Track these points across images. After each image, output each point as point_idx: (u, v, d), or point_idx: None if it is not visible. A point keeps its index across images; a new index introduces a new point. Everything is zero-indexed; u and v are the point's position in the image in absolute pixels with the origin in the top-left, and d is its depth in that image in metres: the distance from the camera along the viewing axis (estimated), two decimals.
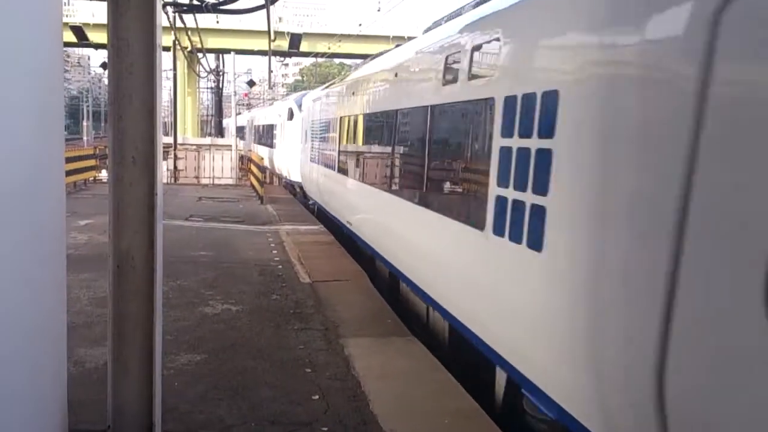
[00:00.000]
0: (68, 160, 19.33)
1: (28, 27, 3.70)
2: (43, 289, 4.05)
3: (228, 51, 43.16)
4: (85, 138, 67.25)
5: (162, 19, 4.16)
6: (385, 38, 52.26)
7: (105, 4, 4.00)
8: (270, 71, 40.40)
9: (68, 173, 18.43)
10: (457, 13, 8.04)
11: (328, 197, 15.88)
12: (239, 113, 41.83)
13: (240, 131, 40.69)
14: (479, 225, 5.87)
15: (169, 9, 20.40)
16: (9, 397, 3.56)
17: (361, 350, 7.47)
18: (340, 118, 14.18)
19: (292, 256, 12.70)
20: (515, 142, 5.22)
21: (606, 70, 4.26)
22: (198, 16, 23.50)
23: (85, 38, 36.36)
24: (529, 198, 4.95)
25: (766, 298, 2.90)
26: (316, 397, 6.15)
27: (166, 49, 29.33)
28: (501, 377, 6.04)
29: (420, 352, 7.52)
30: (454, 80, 6.84)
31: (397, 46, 11.63)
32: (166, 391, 5.07)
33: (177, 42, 30.45)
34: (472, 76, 6.37)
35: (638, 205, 3.74)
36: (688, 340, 3.34)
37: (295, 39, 40.86)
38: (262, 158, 26.94)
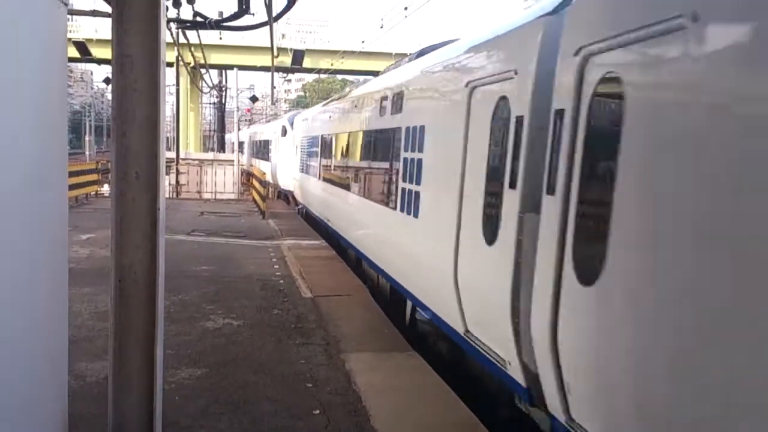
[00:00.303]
0: (70, 174, 19.39)
1: (33, 42, 3.75)
2: (45, 303, 4.07)
3: (231, 67, 43.38)
4: (87, 153, 67.37)
5: (166, 36, 4.20)
6: (388, 55, 52.52)
7: (108, 20, 4.05)
8: (273, 87, 40.55)
9: (70, 188, 18.47)
10: (398, 64, 12.14)
11: (311, 200, 19.01)
12: (241, 129, 42.12)
13: (241, 146, 41.50)
14: (393, 206, 9.30)
15: (173, 25, 20.52)
16: (11, 411, 3.57)
17: (362, 365, 7.47)
18: (321, 136, 17.24)
19: (293, 271, 12.72)
20: (410, 155, 8.61)
21: (440, 115, 7.73)
22: (201, 32, 23.66)
23: (88, 53, 36.52)
24: (414, 187, 8.33)
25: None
26: (317, 411, 6.15)
27: (170, 64, 29.46)
28: (409, 305, 9.39)
29: (421, 367, 7.52)
30: (384, 114, 10.36)
31: (365, 81, 14.96)
32: (167, 406, 5.07)
33: (180, 58, 30.60)
34: (393, 112, 9.82)
35: (451, 188, 6.77)
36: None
37: (298, 55, 41.02)
38: (264, 173, 27.08)
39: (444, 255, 6.84)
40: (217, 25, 18.99)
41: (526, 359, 5.19)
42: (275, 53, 24.97)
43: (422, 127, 8.10)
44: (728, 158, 3.14)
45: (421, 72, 8.91)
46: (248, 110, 64.11)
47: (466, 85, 6.66)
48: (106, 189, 27.55)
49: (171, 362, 6.97)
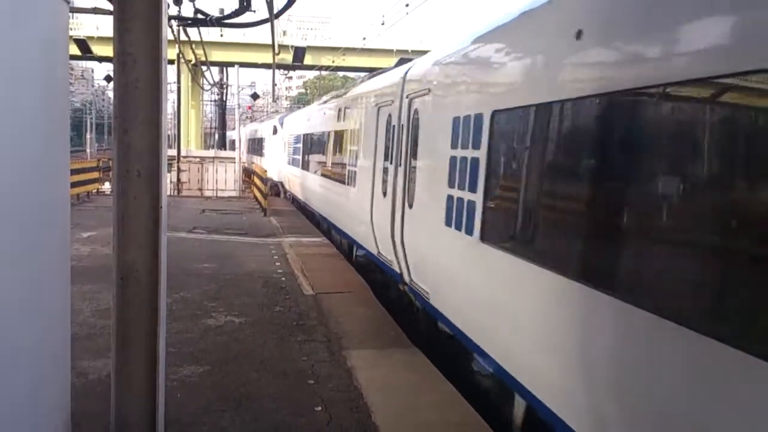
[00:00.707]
0: (72, 172, 19.38)
1: (35, 40, 3.75)
2: (47, 301, 4.08)
3: (232, 64, 43.37)
4: (88, 150, 67.41)
5: (167, 33, 4.20)
6: (389, 52, 52.52)
7: (109, 17, 4.05)
8: (274, 84, 40.52)
9: (72, 185, 18.46)
10: (364, 78, 16.44)
11: (298, 188, 23.51)
12: (243, 125, 42.46)
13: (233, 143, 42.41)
14: (344, 182, 13.85)
15: (174, 22, 20.51)
16: (13, 409, 3.58)
17: (363, 362, 7.48)
18: (303, 135, 21.73)
19: (295, 268, 12.73)
20: (352, 147, 13.19)
21: (365, 121, 12.30)
22: (202, 29, 23.64)
23: (89, 51, 36.46)
24: (353, 168, 12.83)
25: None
26: (319, 408, 6.16)
27: (171, 62, 29.50)
28: (355, 249, 13.64)
29: (422, 364, 7.53)
30: (340, 119, 15.10)
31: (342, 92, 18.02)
32: (169, 403, 5.08)
33: (181, 55, 30.59)
34: (344, 119, 14.71)
35: (369, 167, 11.46)
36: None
37: (299, 52, 40.93)
38: (266, 170, 27.11)
39: (366, 208, 11.22)
40: (218, 22, 18.99)
41: (398, 257, 9.35)
42: (276, 50, 24.94)
43: (358, 129, 12.98)
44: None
45: (356, 95, 14.04)
46: (249, 107, 64.14)
47: (375, 105, 11.33)
48: (107, 187, 27.57)
49: (173, 360, 6.98)
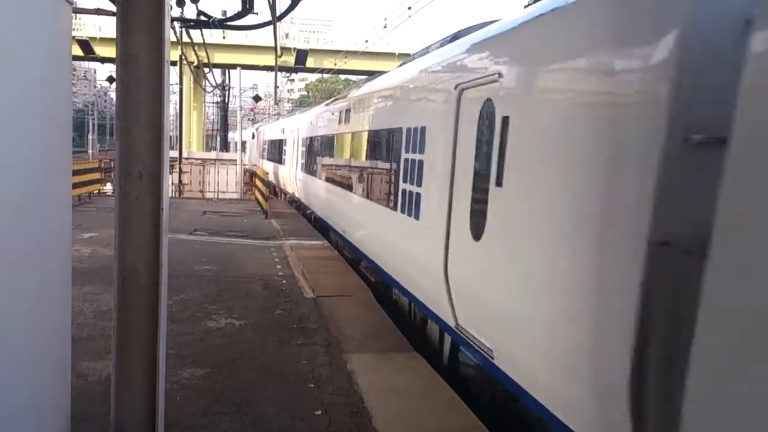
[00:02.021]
0: (73, 173, 19.38)
1: (38, 41, 3.74)
2: (48, 302, 4.07)
3: (234, 66, 43.41)
4: (90, 151, 67.38)
5: (170, 35, 4.20)
6: (391, 55, 52.50)
7: (112, 18, 4.04)
8: (276, 87, 40.53)
9: (73, 186, 18.46)
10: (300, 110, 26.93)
11: (271, 176, 29.22)
12: (244, 128, 42.90)
13: (243, 145, 43.76)
14: (319, 177, 16.87)
15: (176, 24, 20.53)
16: (13, 410, 3.57)
17: (363, 366, 7.46)
18: (269, 140, 31.72)
19: (296, 271, 12.71)
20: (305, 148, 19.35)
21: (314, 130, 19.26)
22: (205, 31, 23.66)
23: (92, 52, 36.53)
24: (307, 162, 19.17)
25: None
26: (319, 412, 6.14)
27: (173, 63, 29.48)
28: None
29: (423, 368, 7.51)
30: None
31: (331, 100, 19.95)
32: (169, 406, 5.07)
33: (183, 57, 30.61)
34: (291, 131, 23.06)
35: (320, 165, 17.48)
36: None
37: (301, 55, 40.97)
38: (267, 173, 27.17)
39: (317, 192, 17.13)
40: (221, 24, 19.01)
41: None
42: (279, 53, 24.96)
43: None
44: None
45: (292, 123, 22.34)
46: (251, 110, 64.13)
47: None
48: (108, 188, 27.56)
49: (173, 362, 6.97)
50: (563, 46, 4.85)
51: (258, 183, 26.06)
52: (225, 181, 29.55)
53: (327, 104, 18.05)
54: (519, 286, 5.22)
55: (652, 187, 3.63)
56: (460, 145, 6.61)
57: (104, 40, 46.67)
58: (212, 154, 40.12)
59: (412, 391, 6.80)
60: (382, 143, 9.90)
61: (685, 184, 3.49)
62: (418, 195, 7.88)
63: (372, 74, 17.93)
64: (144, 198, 4.03)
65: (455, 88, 6.75)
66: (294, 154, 22.83)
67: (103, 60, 46.27)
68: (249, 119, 66.43)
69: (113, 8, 4.67)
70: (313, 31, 79.89)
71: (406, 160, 8.47)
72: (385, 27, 27.71)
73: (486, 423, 6.15)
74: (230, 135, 57.84)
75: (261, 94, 56.73)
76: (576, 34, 4.73)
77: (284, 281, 11.77)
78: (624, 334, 3.78)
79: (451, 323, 6.76)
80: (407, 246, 8.47)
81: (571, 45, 4.76)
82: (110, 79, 43.29)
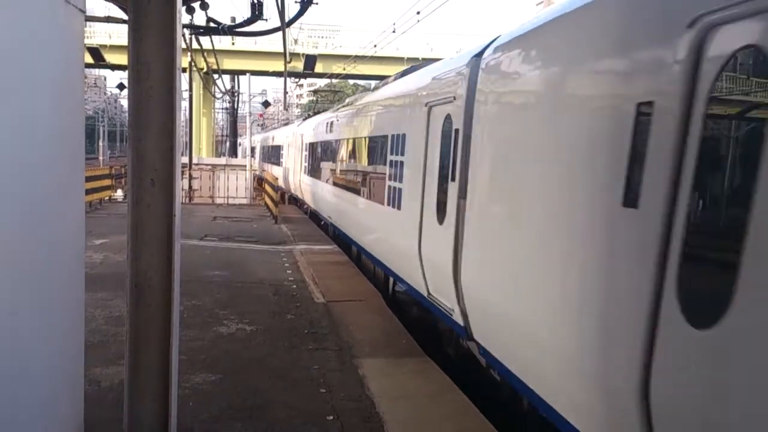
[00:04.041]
0: (85, 179, 19.48)
1: (51, 50, 3.77)
2: (62, 309, 4.10)
3: (243, 72, 43.52)
4: (100, 158, 67.76)
5: (181, 43, 4.22)
6: (400, 60, 52.47)
7: (122, 26, 4.07)
8: (285, 92, 40.63)
9: (85, 193, 18.59)
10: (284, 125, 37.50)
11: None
12: (254, 134, 43.62)
13: (253, 151, 44.85)
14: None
15: (186, 31, 20.62)
16: (27, 416, 3.59)
17: (375, 371, 7.46)
18: (262, 146, 42.37)
19: (306, 276, 12.73)
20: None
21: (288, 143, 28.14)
22: (214, 38, 23.75)
23: (102, 59, 36.74)
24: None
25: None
26: (331, 417, 6.14)
27: (183, 70, 29.62)
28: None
29: (435, 373, 7.50)
30: (329, 131, 17.89)
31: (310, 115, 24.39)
32: (181, 411, 5.08)
33: (193, 63, 30.74)
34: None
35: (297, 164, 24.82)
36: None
37: (310, 60, 41.06)
38: (277, 178, 27.26)
39: (298, 180, 23.45)
40: (230, 30, 19.09)
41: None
42: (288, 58, 25.04)
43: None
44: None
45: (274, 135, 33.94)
46: (261, 115, 64.30)
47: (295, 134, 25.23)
48: (119, 194, 27.68)
49: (185, 368, 6.98)
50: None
51: (267, 188, 26.12)
52: (235, 187, 29.62)
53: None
54: (468, 257, 6.67)
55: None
56: (429, 149, 8.29)
57: (114, 48, 46.91)
58: (222, 160, 40.23)
59: (424, 396, 6.79)
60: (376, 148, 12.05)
61: None
62: (400, 190, 9.72)
63: (380, 78, 18.33)
64: (156, 205, 4.05)
65: (426, 105, 8.34)
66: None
67: (114, 67, 46.51)
68: (258, 125, 66.57)
69: (123, 15, 4.71)
70: (322, 37, 79.96)
71: (392, 161, 10.42)
72: (393, 32, 27.74)
73: (498, 428, 6.14)
74: (239, 141, 58.13)
75: (270, 100, 56.82)
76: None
77: (294, 286, 11.79)
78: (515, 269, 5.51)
79: (424, 292, 8.48)
80: (390, 232, 10.37)
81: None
82: (120, 86, 43.53)
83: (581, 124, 4.60)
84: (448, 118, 7.61)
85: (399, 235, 9.49)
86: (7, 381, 3.38)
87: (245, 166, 31.40)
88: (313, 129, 21.28)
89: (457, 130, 7.17)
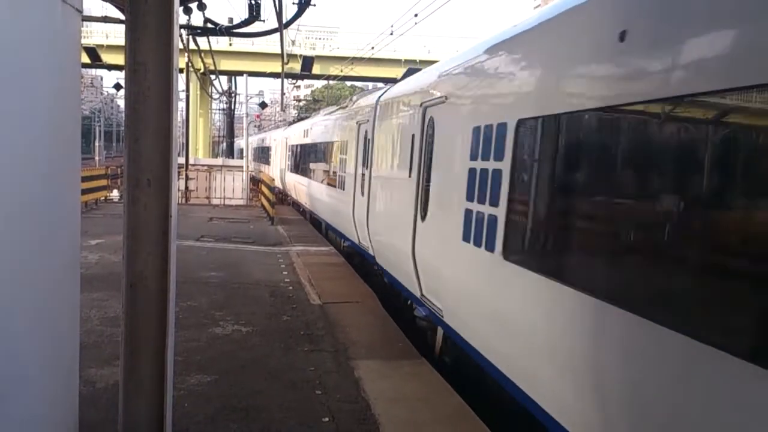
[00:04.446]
0: (81, 180, 19.42)
1: (47, 49, 3.76)
2: (57, 309, 4.08)
3: (241, 73, 43.54)
4: (96, 158, 67.64)
5: (178, 43, 4.21)
6: (397, 62, 52.53)
7: (119, 26, 4.06)
8: (282, 94, 40.67)
9: (81, 193, 18.54)
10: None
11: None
12: (251, 134, 43.78)
13: (240, 152, 46.81)
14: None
15: (184, 32, 20.60)
16: (22, 417, 3.58)
17: (371, 373, 7.45)
18: (254, 147, 46.44)
19: (302, 278, 12.72)
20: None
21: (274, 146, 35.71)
22: (212, 38, 23.73)
23: (99, 59, 36.75)
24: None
25: None
26: (326, 419, 6.14)
27: (180, 71, 29.63)
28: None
29: (430, 376, 7.50)
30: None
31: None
32: (177, 412, 5.07)
33: (190, 64, 30.72)
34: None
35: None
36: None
37: (308, 62, 41.08)
38: (273, 179, 27.23)
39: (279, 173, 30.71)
40: (228, 31, 19.09)
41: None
42: (285, 60, 25.03)
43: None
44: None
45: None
46: (258, 116, 64.32)
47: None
48: (115, 194, 27.64)
49: (180, 369, 6.97)
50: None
51: (264, 189, 26.11)
52: (231, 188, 29.60)
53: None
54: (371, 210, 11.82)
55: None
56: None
57: (111, 48, 46.91)
58: (218, 161, 40.22)
59: (419, 399, 6.78)
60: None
61: None
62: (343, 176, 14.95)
63: (378, 81, 18.20)
64: (153, 205, 4.04)
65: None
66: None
67: (110, 67, 46.53)
68: (255, 126, 66.56)
69: (120, 15, 4.70)
70: (320, 38, 79.94)
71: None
72: (391, 34, 27.73)
73: (493, 430, 6.14)
74: (236, 142, 58.20)
75: (267, 101, 56.85)
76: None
77: (291, 288, 11.78)
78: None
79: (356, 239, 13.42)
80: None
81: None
82: (117, 87, 43.53)
83: (400, 141, 10.04)
84: (366, 131, 12.69)
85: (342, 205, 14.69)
86: (2, 381, 3.36)
87: (242, 166, 31.38)
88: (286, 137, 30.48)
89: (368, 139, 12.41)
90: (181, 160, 30.08)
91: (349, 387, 6.98)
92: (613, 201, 4.40)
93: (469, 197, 6.62)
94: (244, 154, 32.90)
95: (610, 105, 4.36)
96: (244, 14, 18.36)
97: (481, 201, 6.27)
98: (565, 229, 5.00)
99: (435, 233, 7.88)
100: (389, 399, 6.71)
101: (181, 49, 23.29)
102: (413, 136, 9.11)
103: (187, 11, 18.09)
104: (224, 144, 60.18)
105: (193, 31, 20.76)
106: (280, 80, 34.37)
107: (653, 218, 3.93)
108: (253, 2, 17.55)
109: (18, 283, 3.43)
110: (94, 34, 50.71)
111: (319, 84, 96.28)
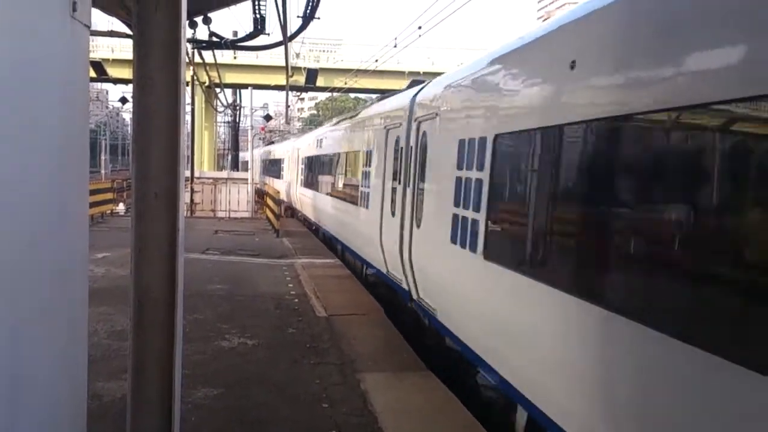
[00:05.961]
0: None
1: (56, 65, 3.78)
2: (65, 323, 4.08)
3: (245, 86, 43.68)
4: (102, 171, 67.85)
5: (185, 57, 4.23)
6: (401, 74, 52.64)
7: (124, 40, 4.09)
8: (287, 106, 40.79)
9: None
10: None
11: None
12: (257, 146, 43.92)
13: (245, 165, 47.22)
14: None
15: (189, 45, 20.71)
16: (29, 430, 3.57)
17: (377, 385, 7.43)
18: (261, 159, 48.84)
19: (308, 290, 12.71)
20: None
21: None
22: (216, 52, 23.85)
23: (105, 73, 36.98)
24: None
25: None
26: None
27: (185, 84, 29.79)
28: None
29: (437, 388, 7.47)
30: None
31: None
32: (184, 427, 5.05)
33: (195, 77, 30.86)
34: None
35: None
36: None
37: (312, 74, 41.27)
38: (279, 191, 27.30)
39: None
40: (233, 45, 19.19)
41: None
42: (290, 72, 25.13)
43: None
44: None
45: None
46: (263, 129, 64.47)
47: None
48: (121, 208, 27.71)
49: (187, 382, 6.96)
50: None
51: (269, 202, 26.14)
52: (236, 200, 29.65)
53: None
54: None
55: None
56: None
57: (117, 62, 47.15)
58: (224, 173, 40.31)
59: (426, 411, 6.76)
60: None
61: None
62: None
63: (382, 92, 18.05)
64: (160, 219, 4.05)
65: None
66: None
67: (116, 81, 46.76)
68: (260, 138, 66.72)
69: (127, 30, 4.74)
70: (324, 51, 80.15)
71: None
72: (395, 46, 27.83)
73: None
74: (241, 154, 58.35)
75: (271, 113, 57.03)
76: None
77: (296, 300, 11.77)
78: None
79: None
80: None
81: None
82: (123, 100, 43.77)
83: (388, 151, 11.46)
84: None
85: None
86: (10, 394, 3.36)
87: (247, 179, 31.44)
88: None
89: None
90: (187, 173, 30.12)
91: (355, 400, 6.96)
92: (571, 205, 5.23)
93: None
94: (249, 166, 32.95)
95: (561, 123, 5.20)
96: (249, 28, 18.46)
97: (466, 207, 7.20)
98: (533, 230, 5.73)
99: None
100: (396, 412, 6.69)
101: (186, 63, 23.42)
102: None
103: (193, 25, 18.20)
104: (229, 157, 60.24)
105: (199, 44, 20.86)
106: (284, 92, 34.48)
107: (595, 217, 4.79)
108: (257, 16, 17.66)
109: (26, 296, 3.44)
110: (100, 48, 50.94)
111: (323, 96, 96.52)
